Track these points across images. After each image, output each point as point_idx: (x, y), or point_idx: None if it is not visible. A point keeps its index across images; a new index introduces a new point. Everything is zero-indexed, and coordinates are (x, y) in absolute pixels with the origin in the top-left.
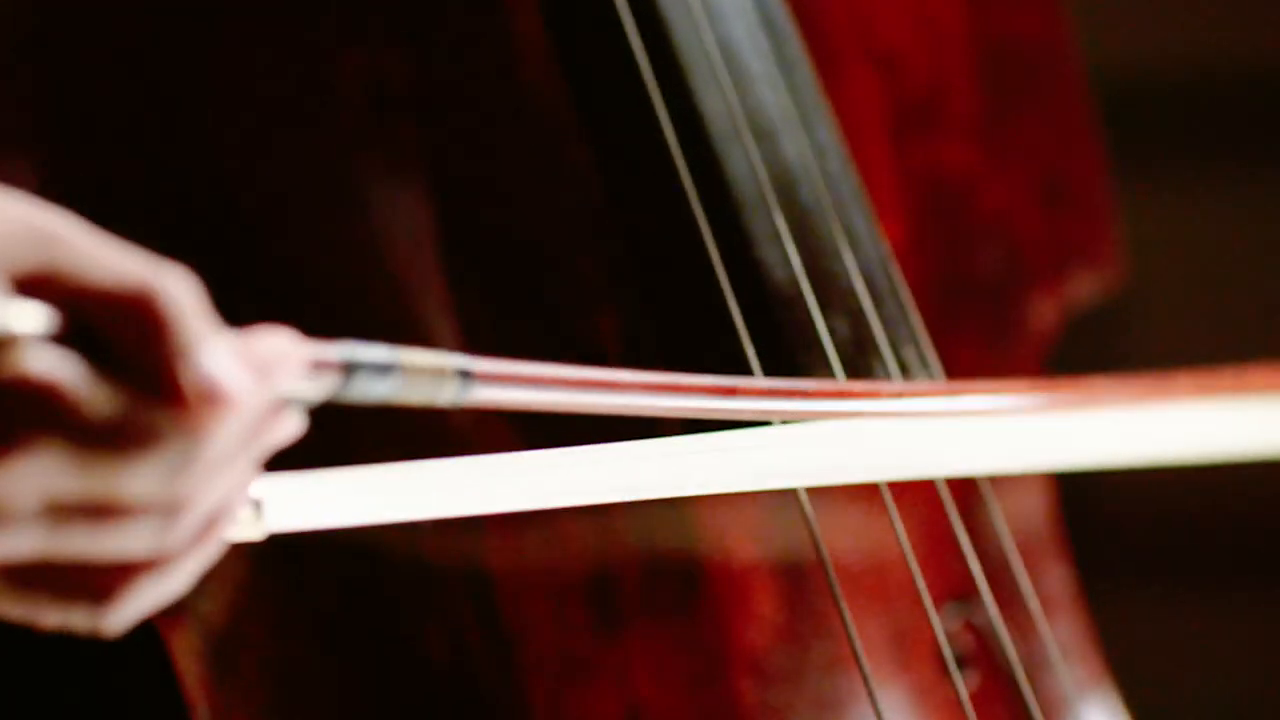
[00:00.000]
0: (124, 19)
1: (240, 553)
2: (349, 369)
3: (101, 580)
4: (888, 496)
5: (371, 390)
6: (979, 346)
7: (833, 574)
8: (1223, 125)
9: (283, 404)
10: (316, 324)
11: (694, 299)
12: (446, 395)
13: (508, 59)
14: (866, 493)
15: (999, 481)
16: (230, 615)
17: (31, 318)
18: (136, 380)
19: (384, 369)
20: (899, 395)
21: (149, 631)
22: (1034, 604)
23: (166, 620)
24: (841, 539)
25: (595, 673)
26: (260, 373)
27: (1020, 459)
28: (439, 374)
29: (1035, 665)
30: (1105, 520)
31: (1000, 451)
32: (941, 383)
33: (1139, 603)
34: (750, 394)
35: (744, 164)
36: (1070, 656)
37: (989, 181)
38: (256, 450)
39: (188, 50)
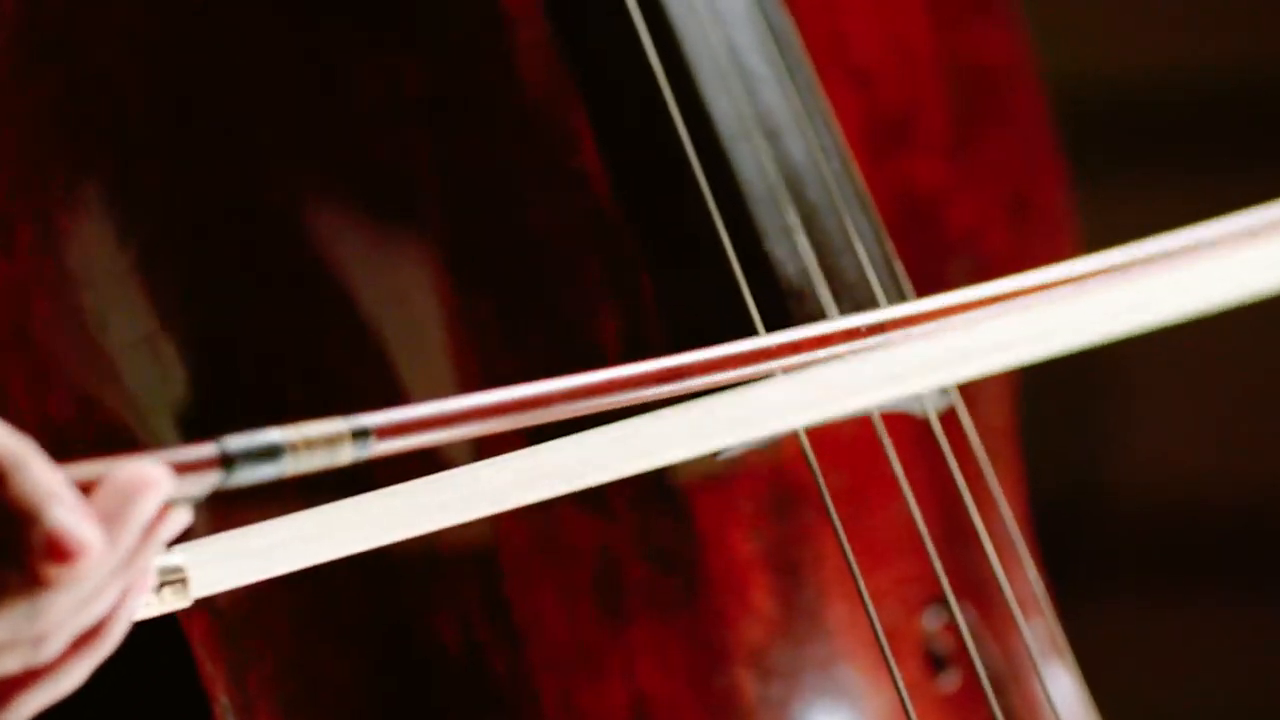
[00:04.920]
0: (138, 26)
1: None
2: (228, 462)
3: None
4: (906, 488)
5: (263, 472)
6: None
7: (851, 556)
8: (1179, 135)
9: (164, 510)
10: (328, 325)
11: (708, 294)
12: (345, 456)
13: (512, 68)
14: (883, 483)
15: (974, 489)
16: (249, 611)
17: None
18: None
19: (269, 451)
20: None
21: (171, 629)
22: (1009, 607)
23: (187, 616)
24: (856, 528)
25: (602, 665)
26: (113, 516)
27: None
28: (332, 440)
29: (1013, 667)
30: (1092, 526)
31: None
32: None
33: (1121, 607)
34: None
35: (754, 162)
36: (1045, 657)
37: (958, 198)
38: (135, 565)
39: (201, 56)
